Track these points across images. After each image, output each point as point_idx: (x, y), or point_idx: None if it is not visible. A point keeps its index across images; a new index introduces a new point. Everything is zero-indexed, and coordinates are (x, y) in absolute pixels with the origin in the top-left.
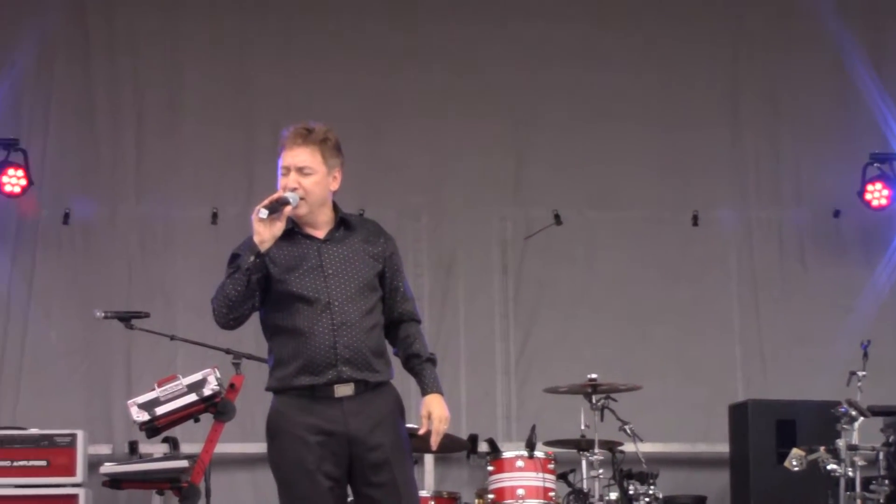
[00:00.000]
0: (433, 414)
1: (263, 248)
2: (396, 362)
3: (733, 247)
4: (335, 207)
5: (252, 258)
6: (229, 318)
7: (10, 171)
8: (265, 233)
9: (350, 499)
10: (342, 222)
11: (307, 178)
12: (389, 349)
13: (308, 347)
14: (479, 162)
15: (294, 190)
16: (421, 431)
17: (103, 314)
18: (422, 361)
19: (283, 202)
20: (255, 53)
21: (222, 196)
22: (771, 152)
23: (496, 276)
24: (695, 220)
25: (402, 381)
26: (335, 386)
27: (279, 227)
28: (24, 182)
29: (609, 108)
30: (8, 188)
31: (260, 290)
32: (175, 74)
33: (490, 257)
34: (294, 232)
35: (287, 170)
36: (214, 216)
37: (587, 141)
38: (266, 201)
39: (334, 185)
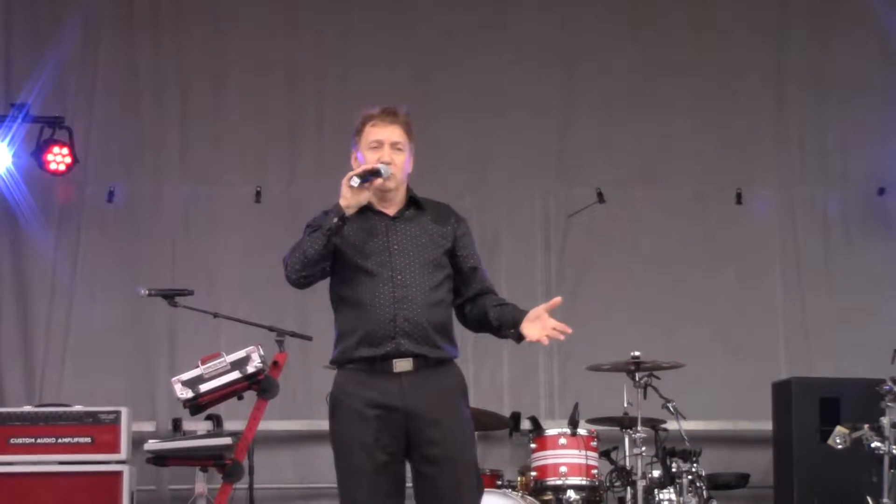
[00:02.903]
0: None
1: (349, 212)
2: (462, 343)
3: (777, 225)
4: (407, 188)
5: (336, 220)
6: (301, 274)
7: (55, 150)
8: (352, 199)
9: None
10: (412, 202)
11: (398, 155)
12: (459, 329)
13: (368, 319)
14: (523, 140)
15: (388, 164)
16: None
17: (147, 292)
18: (509, 303)
19: (375, 173)
20: (299, 32)
21: (266, 174)
22: (815, 129)
23: (539, 254)
24: (738, 199)
25: (464, 366)
26: (394, 360)
27: (365, 196)
28: (68, 160)
29: (653, 86)
30: (53, 166)
31: (330, 260)
32: (219, 53)
33: (533, 235)
34: (365, 208)
35: (380, 143)
36: (258, 194)
37: (630, 118)
38: (359, 170)
39: (409, 167)
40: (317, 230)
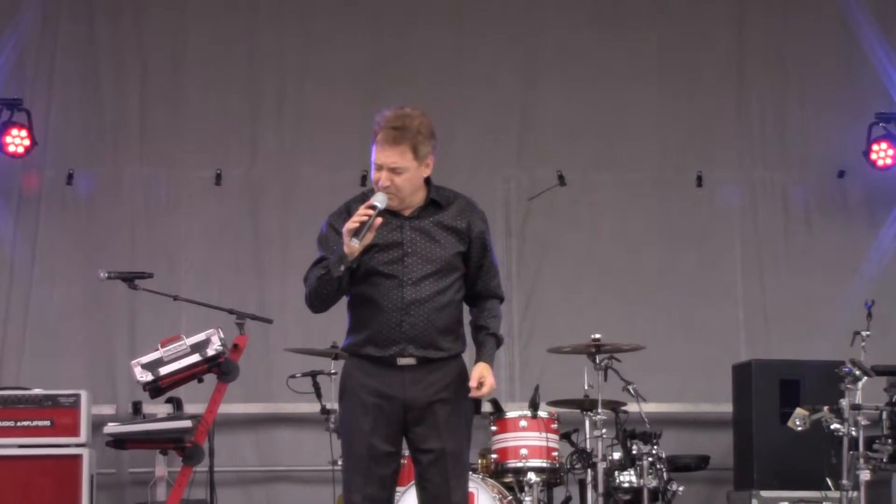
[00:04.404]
0: (486, 381)
1: (353, 258)
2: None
3: (737, 208)
4: (429, 187)
5: (342, 269)
6: (322, 310)
7: (14, 132)
8: (356, 248)
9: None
10: (432, 202)
11: (399, 177)
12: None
13: (376, 321)
14: (484, 123)
15: (386, 187)
16: (472, 394)
17: (107, 275)
18: (487, 334)
19: (373, 208)
20: (258, 13)
21: (226, 157)
22: (776, 113)
23: (500, 237)
24: (699, 182)
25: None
26: (398, 358)
27: (369, 238)
28: (27, 142)
29: (614, 70)
30: (11, 148)
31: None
32: (179, 35)
33: (493, 219)
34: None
35: (379, 167)
36: (218, 177)
37: (592, 102)
38: (354, 224)
39: (426, 172)
40: (327, 272)
